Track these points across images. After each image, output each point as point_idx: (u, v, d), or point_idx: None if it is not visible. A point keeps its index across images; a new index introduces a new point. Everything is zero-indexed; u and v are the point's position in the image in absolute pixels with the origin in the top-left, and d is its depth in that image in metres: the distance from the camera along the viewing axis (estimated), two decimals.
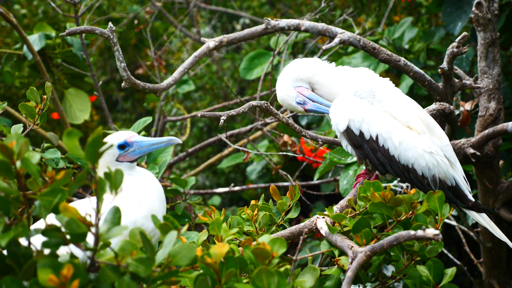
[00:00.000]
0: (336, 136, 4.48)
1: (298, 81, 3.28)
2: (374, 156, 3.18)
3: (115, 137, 2.75)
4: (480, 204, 3.29)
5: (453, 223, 5.11)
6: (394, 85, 3.33)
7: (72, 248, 2.01)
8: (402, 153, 3.16)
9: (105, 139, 2.74)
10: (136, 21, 8.10)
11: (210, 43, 4.00)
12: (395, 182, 4.68)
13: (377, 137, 3.16)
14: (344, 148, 3.31)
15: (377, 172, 3.28)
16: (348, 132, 3.19)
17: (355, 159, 4.37)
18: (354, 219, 2.70)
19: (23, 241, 2.02)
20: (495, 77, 4.13)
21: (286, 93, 3.28)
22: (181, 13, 8.87)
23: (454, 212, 5.30)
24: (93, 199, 1.97)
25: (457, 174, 3.28)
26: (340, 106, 3.19)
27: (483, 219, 3.30)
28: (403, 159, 3.17)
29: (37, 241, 2.03)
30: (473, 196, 3.35)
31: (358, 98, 3.23)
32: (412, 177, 3.20)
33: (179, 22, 8.50)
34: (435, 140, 3.24)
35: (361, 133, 3.17)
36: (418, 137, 3.18)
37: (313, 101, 3.26)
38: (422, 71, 3.81)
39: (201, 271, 2.16)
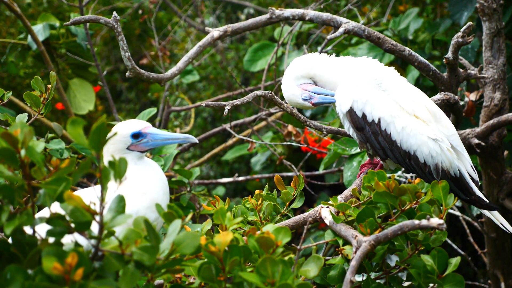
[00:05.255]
0: (341, 126, 4.48)
1: (299, 78, 3.31)
2: (375, 139, 3.17)
3: (130, 125, 2.74)
4: (484, 200, 3.26)
5: (458, 213, 5.11)
6: (399, 74, 3.32)
7: (77, 236, 2.01)
8: (404, 138, 3.15)
9: (120, 125, 2.74)
10: (140, 11, 8.09)
11: (215, 32, 3.99)
12: (399, 173, 4.67)
13: (379, 121, 3.15)
14: (346, 130, 3.30)
15: (379, 159, 3.28)
16: (351, 113, 3.18)
17: (359, 149, 4.37)
18: (358, 208, 2.70)
19: (28, 230, 2.03)
20: (500, 67, 4.11)
21: (291, 93, 3.31)
22: (185, 3, 8.86)
23: (458, 203, 5.30)
24: (98, 187, 1.97)
25: (463, 164, 3.27)
26: (346, 88, 3.19)
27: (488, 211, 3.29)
28: (405, 145, 3.15)
29: (42, 229, 2.03)
30: (479, 187, 3.32)
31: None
32: (413, 164, 3.18)
33: (184, 12, 8.48)
34: (441, 129, 3.22)
35: (364, 115, 3.16)
36: (424, 125, 3.17)
37: (318, 94, 3.28)
38: (426, 61, 3.80)
39: (205, 259, 2.16)
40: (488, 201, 3.27)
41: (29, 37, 5.60)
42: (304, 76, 3.31)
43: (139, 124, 2.75)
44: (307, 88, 3.29)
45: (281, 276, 2.04)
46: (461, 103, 4.54)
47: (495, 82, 4.12)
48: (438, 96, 3.67)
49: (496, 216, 3.29)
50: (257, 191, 3.03)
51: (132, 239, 1.98)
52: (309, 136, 5.47)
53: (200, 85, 8.80)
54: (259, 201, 2.96)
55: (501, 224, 3.31)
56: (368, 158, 3.44)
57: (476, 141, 3.93)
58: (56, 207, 1.99)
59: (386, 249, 2.61)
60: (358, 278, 2.69)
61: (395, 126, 3.14)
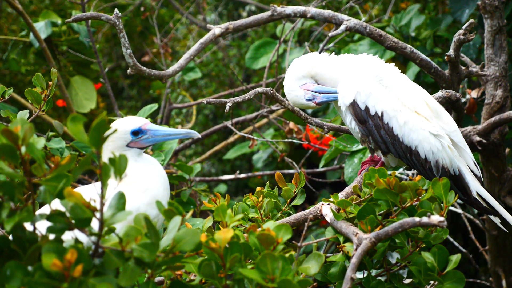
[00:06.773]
0: (342, 123, 4.47)
1: (301, 79, 3.29)
2: (377, 133, 3.16)
3: (129, 122, 2.72)
4: (480, 202, 3.24)
5: (459, 211, 5.10)
6: (400, 71, 3.31)
7: (77, 233, 2.01)
8: (406, 133, 3.14)
9: (119, 122, 2.73)
10: (142, 8, 8.09)
11: (216, 29, 3.99)
12: (400, 170, 4.67)
13: (382, 114, 3.14)
14: (348, 124, 3.28)
15: (381, 155, 3.27)
16: (353, 105, 3.17)
17: (360, 146, 4.36)
18: (359, 206, 2.70)
19: (28, 226, 2.03)
20: (502, 65, 4.10)
21: (294, 94, 3.29)
22: (187, 1, 8.85)
23: (459, 200, 5.29)
24: (98, 184, 1.96)
25: (465, 161, 3.26)
26: (349, 81, 3.19)
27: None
28: (406, 139, 3.15)
29: (42, 226, 2.03)
30: (482, 183, 3.31)
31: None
32: (414, 160, 3.18)
33: (185, 9, 8.48)
34: (443, 125, 3.21)
35: (367, 108, 3.15)
36: (426, 121, 3.16)
37: (321, 93, 3.26)
38: (428, 58, 3.79)
39: (206, 256, 2.16)
40: (487, 203, 3.25)
41: (31, 34, 5.59)
42: (306, 76, 3.28)
43: (138, 121, 2.73)
44: (309, 88, 3.27)
45: (281, 272, 2.04)
46: (463, 100, 4.53)
47: (497, 80, 4.11)
48: (440, 93, 3.67)
49: (503, 214, 3.27)
50: (258, 188, 3.03)
51: (132, 236, 1.98)
52: (310, 133, 5.47)
53: (201, 82, 8.80)
54: (260, 198, 2.96)
55: (500, 224, 3.31)
56: (369, 156, 3.43)
57: (478, 138, 3.93)
58: (56, 204, 1.99)
59: (387, 246, 2.61)
60: (359, 275, 2.69)
61: (397, 120, 3.14)
